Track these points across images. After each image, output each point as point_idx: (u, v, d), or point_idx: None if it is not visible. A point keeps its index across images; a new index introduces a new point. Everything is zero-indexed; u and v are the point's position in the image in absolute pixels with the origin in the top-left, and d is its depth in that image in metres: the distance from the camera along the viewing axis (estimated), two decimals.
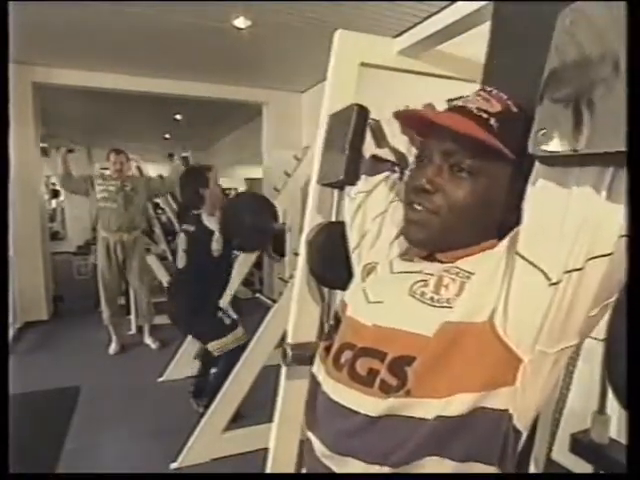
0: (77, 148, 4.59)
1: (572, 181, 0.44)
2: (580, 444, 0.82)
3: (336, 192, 1.05)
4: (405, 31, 1.09)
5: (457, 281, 0.53)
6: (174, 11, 2.64)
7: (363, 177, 0.82)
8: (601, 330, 0.47)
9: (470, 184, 0.54)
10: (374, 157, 0.80)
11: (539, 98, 0.44)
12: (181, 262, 2.30)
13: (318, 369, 0.63)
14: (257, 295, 4.10)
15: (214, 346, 2.18)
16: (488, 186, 0.55)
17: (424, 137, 0.61)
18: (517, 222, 0.52)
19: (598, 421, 0.83)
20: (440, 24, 1.00)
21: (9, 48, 0.68)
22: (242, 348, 2.06)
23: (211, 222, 2.20)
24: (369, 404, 0.53)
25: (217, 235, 2.16)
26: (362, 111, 0.83)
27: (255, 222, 2.12)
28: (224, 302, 2.38)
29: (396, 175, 0.75)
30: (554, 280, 0.45)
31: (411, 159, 0.73)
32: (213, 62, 3.58)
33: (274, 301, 3.09)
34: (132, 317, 3.63)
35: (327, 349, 0.63)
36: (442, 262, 0.59)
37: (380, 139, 0.79)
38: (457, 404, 0.48)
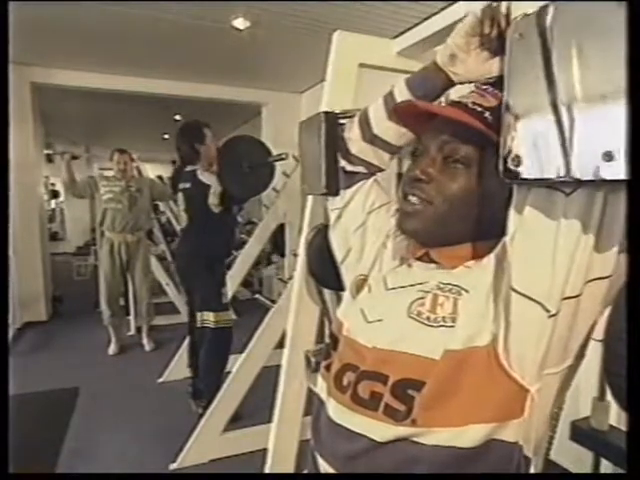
0: (81, 155, 4.59)
1: (560, 204, 0.42)
2: (580, 431, 0.82)
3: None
4: (404, 32, 1.10)
5: (450, 298, 0.53)
6: (173, 12, 2.64)
7: (338, 198, 0.76)
8: (599, 331, 0.47)
9: (464, 176, 0.55)
10: (343, 170, 0.73)
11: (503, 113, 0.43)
12: (183, 222, 2.28)
13: (321, 388, 0.63)
14: (256, 296, 4.09)
15: (209, 315, 2.18)
16: (483, 179, 0.54)
17: (419, 134, 0.61)
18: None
19: (598, 408, 0.83)
20: (439, 25, 1.00)
21: (9, 48, 0.68)
22: (227, 336, 2.12)
23: (206, 177, 2.16)
24: (375, 429, 0.52)
25: (213, 189, 2.12)
26: (330, 118, 0.76)
27: (251, 163, 2.10)
28: (227, 289, 2.36)
29: (370, 181, 0.71)
30: (553, 311, 0.44)
31: (401, 151, 0.70)
32: (212, 63, 3.58)
33: (273, 302, 3.09)
34: (131, 318, 3.62)
35: (327, 367, 0.62)
36: (437, 264, 0.58)
37: (345, 151, 0.72)
38: (471, 434, 0.48)
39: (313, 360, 1.05)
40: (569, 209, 0.42)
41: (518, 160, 0.41)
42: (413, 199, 0.57)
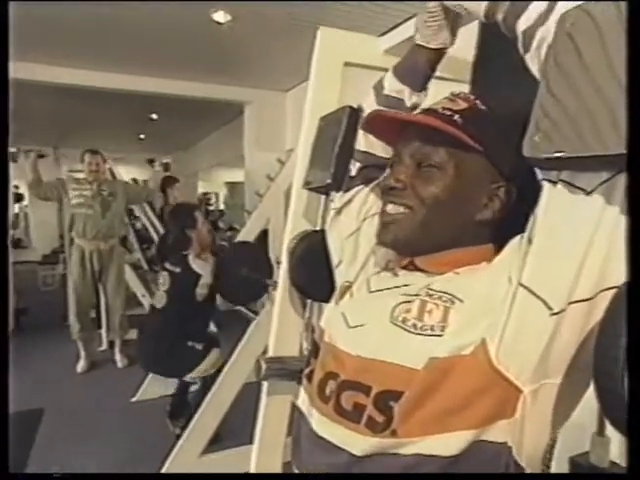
0: (49, 154, 4.51)
1: (579, 203, 0.44)
2: (579, 468, 0.82)
3: (322, 198, 1.06)
4: (392, 29, 1.11)
5: (440, 306, 0.53)
6: (149, 3, 2.63)
7: (340, 193, 0.82)
8: None
9: (440, 178, 0.57)
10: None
11: (537, 99, 0.44)
12: (160, 302, 2.27)
13: (302, 400, 0.63)
14: (238, 307, 4.06)
15: (189, 377, 2.20)
16: (460, 180, 0.56)
17: (392, 144, 0.65)
18: (510, 228, 0.53)
19: (598, 443, 0.83)
20: None
21: (9, 48, 0.71)
22: (221, 369, 2.05)
23: (198, 265, 2.20)
24: (354, 442, 0.53)
25: (204, 280, 2.16)
26: (354, 113, 0.84)
27: (250, 277, 2.12)
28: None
29: (369, 187, 0.76)
30: (555, 310, 0.45)
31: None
32: (191, 58, 3.57)
33: (256, 313, 3.07)
34: (103, 332, 3.56)
35: (309, 377, 0.63)
36: (424, 271, 0.59)
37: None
38: (454, 441, 0.48)
39: (264, 367, 1.04)
40: (587, 208, 0.43)
41: (543, 139, 0.43)
42: (391, 208, 0.59)
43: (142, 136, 7.04)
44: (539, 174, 0.48)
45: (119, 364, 3.30)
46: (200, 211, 2.35)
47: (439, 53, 0.72)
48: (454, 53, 1.15)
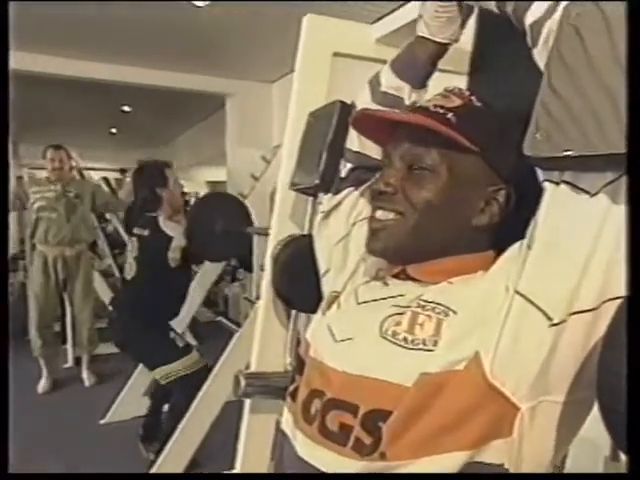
0: None
1: (582, 206, 0.45)
2: None
3: (310, 200, 1.06)
4: (384, 16, 1.12)
5: (433, 319, 0.53)
6: None
7: (328, 195, 0.83)
8: None
9: (433, 181, 0.57)
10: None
11: (539, 94, 0.45)
12: (130, 272, 2.25)
13: (286, 421, 0.63)
14: (219, 318, 4.05)
15: (161, 373, 2.12)
16: (454, 183, 0.57)
17: (382, 145, 0.65)
18: (510, 234, 0.54)
19: (612, 469, 0.84)
20: None
21: (9, 47, 0.74)
22: (201, 379, 2.02)
23: (169, 227, 2.16)
24: (342, 466, 0.53)
25: (176, 242, 2.12)
26: (346, 109, 0.84)
27: (227, 227, 2.10)
28: (180, 326, 2.33)
29: (359, 190, 0.76)
30: (555, 320, 0.45)
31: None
32: (167, 45, 3.55)
33: (239, 325, 3.06)
34: (69, 347, 3.51)
35: (293, 395, 0.63)
36: (417, 280, 0.60)
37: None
38: (447, 463, 0.49)
39: (243, 383, 1.04)
40: (590, 211, 0.44)
41: (545, 137, 0.43)
42: (380, 214, 0.60)
43: (113, 130, 6.98)
44: (540, 175, 0.49)
45: (87, 382, 3.25)
46: (171, 169, 2.28)
47: (443, 48, 0.73)
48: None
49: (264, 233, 2.13)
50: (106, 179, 4.12)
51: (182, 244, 2.12)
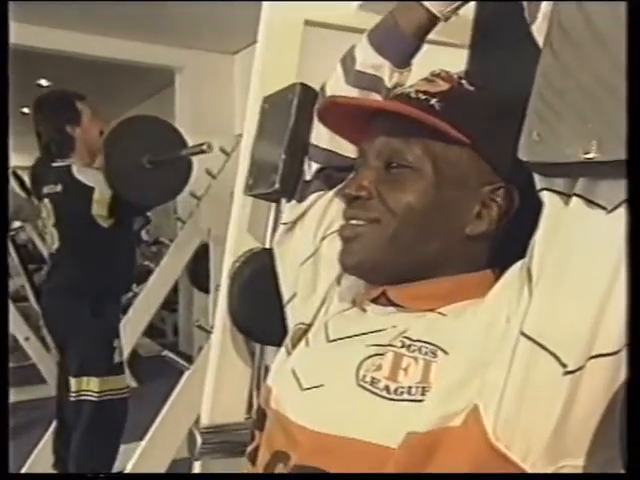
0: None
1: (597, 224, 0.44)
2: None
3: (273, 207, 1.06)
4: None
5: (420, 361, 0.53)
6: None
7: (291, 203, 0.83)
8: None
9: (415, 181, 0.58)
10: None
11: (534, 86, 0.46)
12: (53, 244, 2.23)
13: None
14: (165, 353, 4.01)
15: (84, 384, 2.11)
16: (440, 182, 0.58)
17: (357, 143, 0.66)
18: (514, 247, 0.54)
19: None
20: None
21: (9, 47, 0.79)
22: (118, 412, 2.06)
23: (87, 176, 2.11)
24: None
25: (98, 194, 2.07)
26: (308, 93, 0.84)
27: (157, 156, 2.08)
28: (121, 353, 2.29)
29: (329, 195, 0.77)
30: (570, 367, 0.45)
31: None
32: (103, 6, 3.52)
33: (190, 360, 3.03)
34: None
35: (252, 458, 0.63)
36: (399, 306, 0.60)
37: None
38: None
39: (199, 440, 1.03)
40: (608, 231, 0.44)
41: (542, 139, 0.44)
42: (354, 222, 0.61)
43: (26, 110, 6.86)
44: (538, 183, 0.48)
45: None
46: (84, 101, 2.24)
47: (434, 20, 0.72)
48: None
49: (200, 152, 2.10)
50: (16, 174, 3.99)
51: (107, 195, 2.07)
